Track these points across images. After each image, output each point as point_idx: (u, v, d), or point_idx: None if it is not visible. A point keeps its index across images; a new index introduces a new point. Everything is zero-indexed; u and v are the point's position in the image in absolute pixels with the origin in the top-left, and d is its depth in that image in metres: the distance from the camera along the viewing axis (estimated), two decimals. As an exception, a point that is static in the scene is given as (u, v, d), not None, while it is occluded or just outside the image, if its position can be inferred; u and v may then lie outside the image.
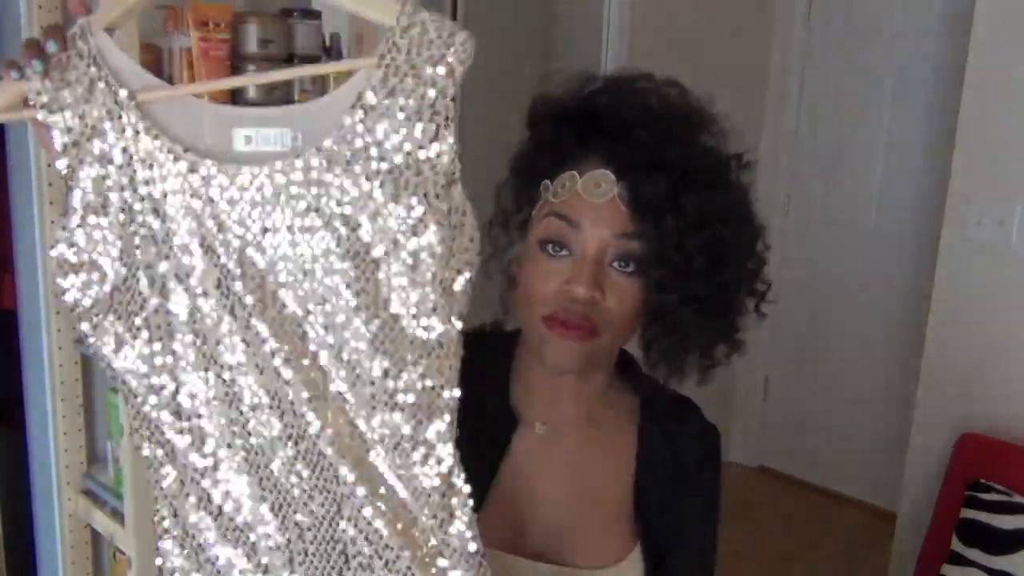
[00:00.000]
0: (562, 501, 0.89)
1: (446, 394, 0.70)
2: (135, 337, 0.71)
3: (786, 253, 3.21)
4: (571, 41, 3.03)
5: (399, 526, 0.71)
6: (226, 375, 0.71)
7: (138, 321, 0.71)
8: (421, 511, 0.71)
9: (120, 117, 0.67)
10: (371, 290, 0.68)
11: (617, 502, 0.90)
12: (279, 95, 1.42)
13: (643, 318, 0.83)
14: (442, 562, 0.72)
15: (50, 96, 0.67)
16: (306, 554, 0.74)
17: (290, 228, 0.68)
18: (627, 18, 2.72)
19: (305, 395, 0.70)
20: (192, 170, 0.67)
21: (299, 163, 0.66)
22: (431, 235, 0.66)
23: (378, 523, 0.71)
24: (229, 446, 0.73)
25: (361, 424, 0.71)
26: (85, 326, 0.71)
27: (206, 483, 0.74)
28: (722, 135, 0.84)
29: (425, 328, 0.68)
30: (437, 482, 0.71)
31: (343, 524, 0.72)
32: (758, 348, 3.24)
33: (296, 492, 0.73)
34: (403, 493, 0.71)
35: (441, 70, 0.65)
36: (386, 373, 0.69)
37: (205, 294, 0.70)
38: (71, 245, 0.69)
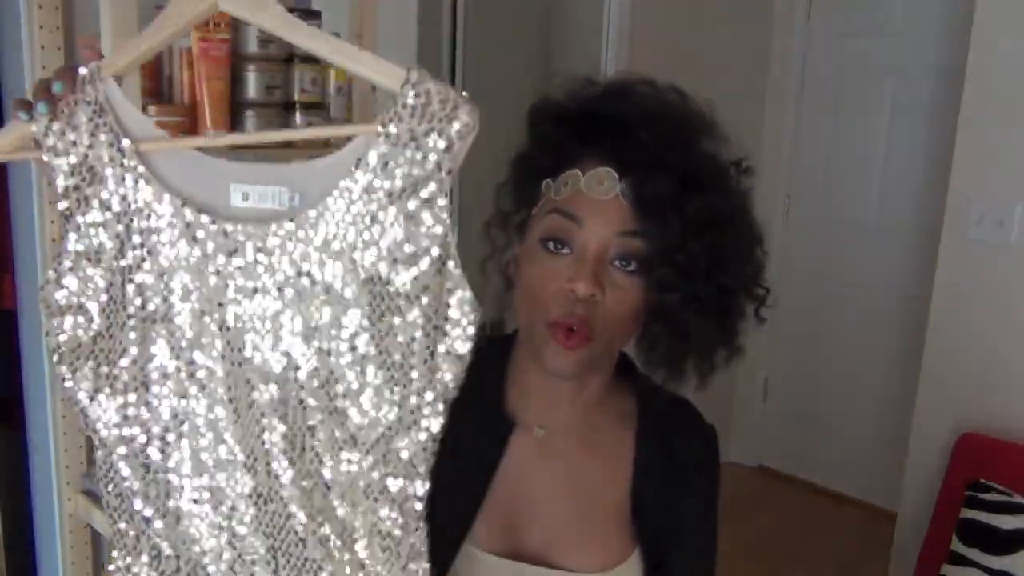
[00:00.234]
0: (559, 505, 0.89)
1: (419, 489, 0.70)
2: (111, 386, 0.71)
3: (786, 253, 3.21)
4: (571, 42, 3.03)
5: None
6: (201, 431, 0.72)
7: (116, 371, 0.71)
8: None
9: (121, 165, 0.68)
10: (341, 366, 0.68)
11: (615, 506, 0.90)
12: (279, 96, 1.42)
13: (643, 319, 0.83)
14: None
15: (55, 139, 0.67)
16: None
17: (280, 290, 0.67)
18: (627, 19, 2.72)
19: (283, 459, 0.70)
20: (188, 224, 0.67)
21: (292, 226, 0.66)
22: (421, 305, 0.66)
23: None
24: (195, 502, 0.73)
25: (336, 496, 0.71)
26: (64, 369, 0.71)
27: (161, 540, 0.74)
28: (722, 141, 0.84)
29: (389, 414, 0.68)
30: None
31: None
32: (758, 348, 3.24)
33: (262, 551, 0.73)
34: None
35: (442, 143, 0.64)
36: (374, 463, 0.69)
37: (189, 348, 0.70)
38: (61, 288, 0.69)
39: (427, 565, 0.71)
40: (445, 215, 0.65)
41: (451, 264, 0.66)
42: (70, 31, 1.47)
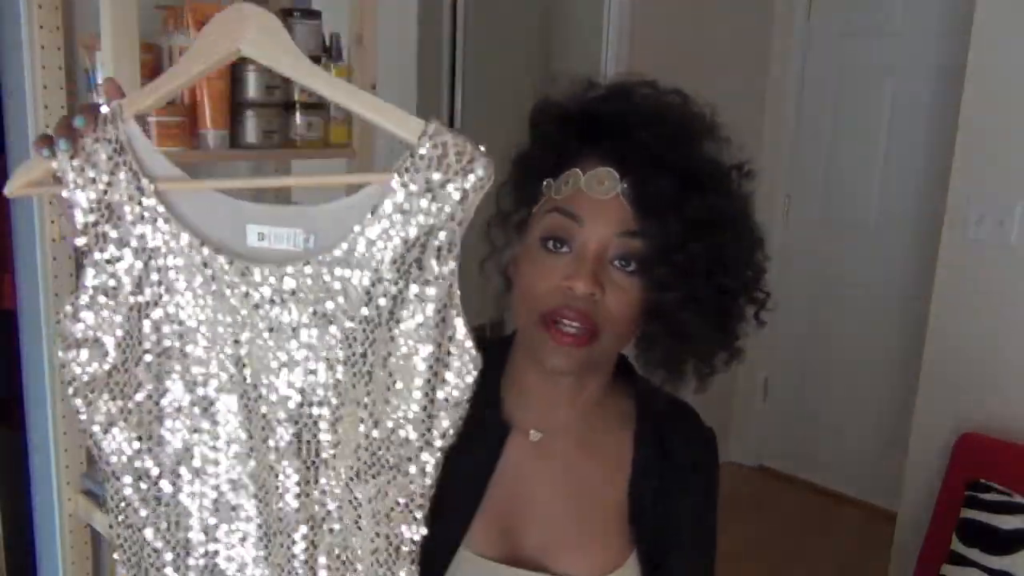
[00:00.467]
0: (557, 507, 0.89)
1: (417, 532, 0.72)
2: (126, 420, 0.72)
3: (786, 253, 3.21)
4: (571, 42, 3.03)
5: None
6: (211, 466, 0.74)
7: (130, 404, 0.72)
8: None
9: (140, 204, 0.69)
10: (359, 398, 0.70)
11: (613, 507, 0.90)
12: (279, 96, 1.42)
13: (642, 319, 0.83)
14: None
15: (75, 174, 0.68)
16: None
17: (295, 330, 0.69)
18: (627, 19, 2.72)
19: (295, 490, 0.72)
20: (205, 263, 0.69)
21: (309, 269, 0.68)
22: (423, 352, 0.68)
23: None
24: (206, 534, 0.75)
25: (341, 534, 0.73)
26: (79, 402, 0.72)
27: (168, 571, 0.76)
28: (724, 144, 0.84)
29: (404, 449, 0.70)
30: None
31: None
32: (758, 348, 3.24)
33: None
34: None
35: (456, 195, 0.66)
36: (376, 493, 0.71)
37: (204, 384, 0.72)
38: (78, 322, 0.71)
39: None
40: (453, 265, 0.67)
41: (453, 313, 0.68)
42: (70, 31, 1.47)
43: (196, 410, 0.72)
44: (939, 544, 2.05)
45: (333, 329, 0.69)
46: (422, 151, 0.66)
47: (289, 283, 0.68)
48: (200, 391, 0.72)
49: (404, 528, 0.71)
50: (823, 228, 3.26)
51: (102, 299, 0.70)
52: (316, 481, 0.72)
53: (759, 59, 3.27)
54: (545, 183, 0.86)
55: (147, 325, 0.71)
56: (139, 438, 0.73)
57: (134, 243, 0.69)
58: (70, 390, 0.72)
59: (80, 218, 0.69)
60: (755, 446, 3.48)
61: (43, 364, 1.56)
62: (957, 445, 2.16)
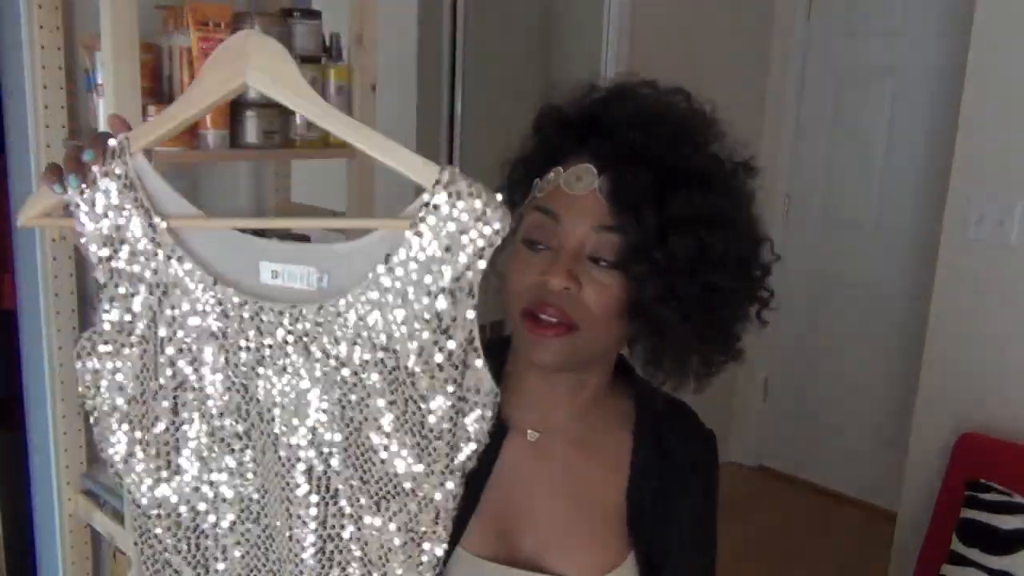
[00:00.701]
0: (555, 508, 0.89)
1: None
2: (144, 451, 0.73)
3: (786, 253, 3.19)
4: (571, 42, 3.03)
5: None
6: (231, 495, 0.75)
7: (148, 436, 0.73)
8: None
9: (153, 240, 0.69)
10: (365, 443, 0.70)
11: (611, 509, 0.89)
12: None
13: (627, 316, 0.82)
14: None
15: (87, 207, 0.69)
16: None
17: (309, 370, 0.69)
18: (627, 19, 2.72)
19: (308, 523, 0.72)
20: (219, 300, 0.69)
21: (323, 311, 0.68)
22: (442, 396, 0.68)
23: None
24: (226, 560, 0.77)
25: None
26: (99, 431, 0.74)
27: None
28: (723, 142, 0.84)
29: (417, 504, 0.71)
30: None
31: None
32: (758, 349, 3.24)
33: None
34: None
35: (470, 246, 0.65)
36: (387, 521, 0.72)
37: (220, 417, 0.72)
38: (94, 356, 0.72)
39: None
40: (471, 313, 0.67)
41: (472, 356, 0.68)
42: (70, 31, 1.47)
43: (212, 441, 0.73)
44: (939, 544, 2.06)
45: (347, 371, 0.69)
46: (436, 201, 0.65)
47: (303, 325, 0.68)
48: (216, 423, 0.73)
49: (429, 546, 0.72)
50: (823, 228, 3.26)
51: (118, 334, 0.71)
52: (328, 513, 0.72)
53: (759, 59, 3.27)
54: (534, 183, 0.86)
55: (163, 359, 0.71)
56: (158, 468, 0.74)
57: (149, 278, 0.70)
58: (91, 420, 0.74)
59: (95, 250, 0.69)
60: (755, 446, 3.48)
61: (43, 364, 1.56)
62: (957, 445, 2.16)
